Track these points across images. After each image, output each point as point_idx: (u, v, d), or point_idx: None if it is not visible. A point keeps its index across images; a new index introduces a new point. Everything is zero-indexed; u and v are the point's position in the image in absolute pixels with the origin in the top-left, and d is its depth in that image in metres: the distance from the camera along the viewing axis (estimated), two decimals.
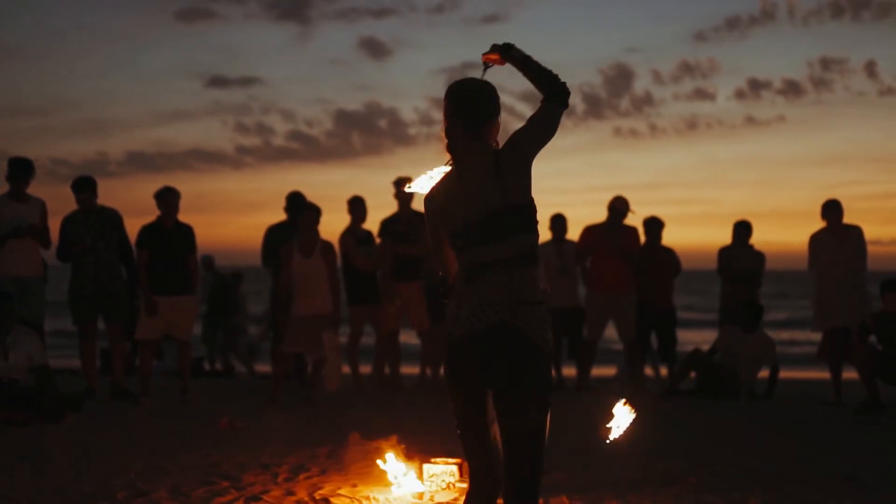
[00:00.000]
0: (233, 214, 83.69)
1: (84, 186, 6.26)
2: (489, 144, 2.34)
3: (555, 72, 2.38)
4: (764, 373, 7.21)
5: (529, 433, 2.24)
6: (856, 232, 6.91)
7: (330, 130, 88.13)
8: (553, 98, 2.33)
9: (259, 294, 12.54)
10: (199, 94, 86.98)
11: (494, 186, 2.25)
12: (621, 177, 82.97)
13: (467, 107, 2.33)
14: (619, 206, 7.27)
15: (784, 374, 7.49)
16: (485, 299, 2.25)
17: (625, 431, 2.64)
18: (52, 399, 5.46)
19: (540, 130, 2.32)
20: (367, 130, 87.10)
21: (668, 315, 7.49)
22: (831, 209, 6.91)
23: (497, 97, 2.37)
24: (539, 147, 2.31)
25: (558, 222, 7.42)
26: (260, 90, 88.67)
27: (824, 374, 10.73)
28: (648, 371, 7.85)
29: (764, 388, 7.13)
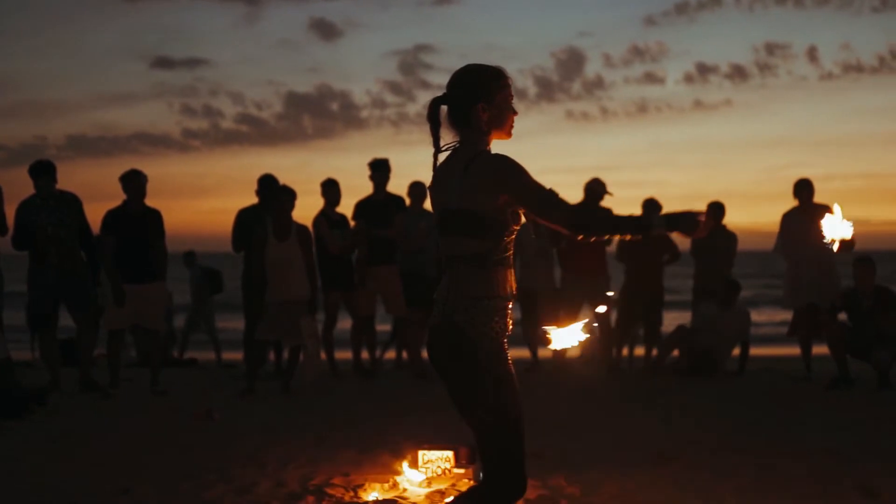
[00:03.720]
0: (180, 199, 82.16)
1: (43, 171, 5.96)
2: (478, 133, 2.26)
3: (617, 225, 2.23)
4: (735, 350, 7.32)
5: (481, 429, 2.23)
6: (826, 211, 6.99)
7: (280, 113, 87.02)
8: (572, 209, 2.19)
9: (180, 281, 11.86)
10: (144, 76, 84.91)
11: (456, 186, 2.22)
12: (573, 159, 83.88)
13: (450, 94, 2.27)
14: (595, 188, 7.25)
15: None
16: (440, 294, 2.27)
17: None
18: (16, 394, 5.20)
19: (528, 197, 2.18)
20: (318, 113, 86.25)
21: (657, 296, 7.52)
22: (803, 188, 6.98)
23: (477, 81, 2.25)
24: (507, 201, 2.19)
25: None
26: (207, 72, 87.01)
27: (778, 351, 11.04)
28: (624, 351, 7.87)
29: (735, 364, 7.23)
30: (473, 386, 2.21)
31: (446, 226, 2.25)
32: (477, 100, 2.24)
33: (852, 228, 2.54)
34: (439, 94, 2.31)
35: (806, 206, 6.96)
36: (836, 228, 2.55)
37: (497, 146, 2.30)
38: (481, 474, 2.27)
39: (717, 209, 7.57)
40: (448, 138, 2.29)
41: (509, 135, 2.31)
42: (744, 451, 4.28)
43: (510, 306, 2.26)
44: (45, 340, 6.17)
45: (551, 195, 2.19)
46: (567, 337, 2.31)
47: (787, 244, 6.99)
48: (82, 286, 6.06)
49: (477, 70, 2.28)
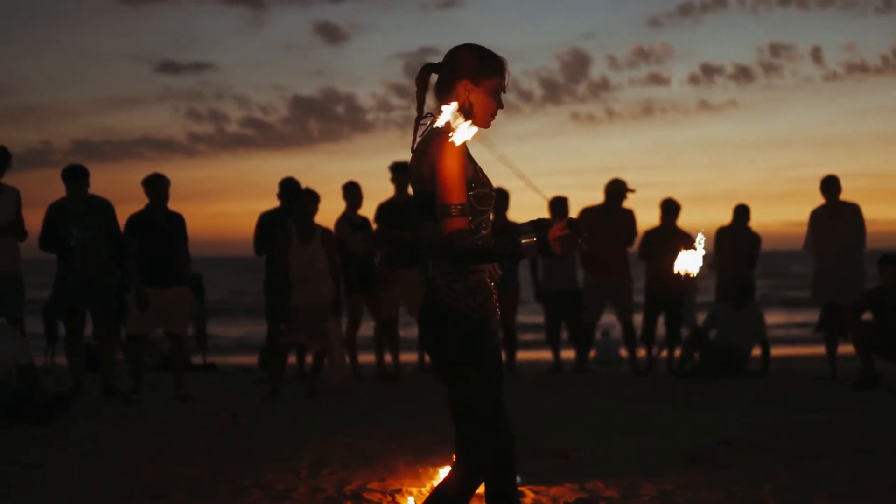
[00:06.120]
0: (186, 204, 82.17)
1: (77, 178, 5.93)
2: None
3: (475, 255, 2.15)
4: (755, 351, 7.28)
5: (457, 408, 2.22)
6: (852, 209, 6.96)
7: (286, 117, 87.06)
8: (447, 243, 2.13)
9: None
10: (149, 80, 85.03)
11: (415, 168, 2.23)
12: (579, 161, 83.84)
13: (442, 64, 2.25)
14: (616, 188, 7.22)
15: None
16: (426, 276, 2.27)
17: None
18: (40, 399, 5.16)
19: (436, 191, 2.14)
20: (323, 117, 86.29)
21: (677, 296, 7.47)
22: (828, 185, 6.94)
23: (471, 59, 2.22)
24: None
25: (558, 205, 7.26)
26: (212, 76, 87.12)
27: (790, 351, 10.98)
28: (641, 353, 7.83)
29: (757, 365, 7.19)
30: (455, 361, 2.19)
31: (418, 208, 2.24)
32: (463, 76, 2.21)
33: (700, 263, 2.37)
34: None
35: (832, 204, 6.92)
36: (686, 261, 2.40)
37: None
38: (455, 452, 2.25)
39: (743, 211, 7.51)
40: (432, 108, 2.25)
41: (487, 125, 2.25)
42: (776, 451, 4.25)
43: (493, 286, 2.22)
44: (70, 345, 6.14)
45: (450, 206, 2.11)
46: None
47: (814, 241, 6.95)
48: (105, 292, 6.02)
49: (475, 49, 2.25)
